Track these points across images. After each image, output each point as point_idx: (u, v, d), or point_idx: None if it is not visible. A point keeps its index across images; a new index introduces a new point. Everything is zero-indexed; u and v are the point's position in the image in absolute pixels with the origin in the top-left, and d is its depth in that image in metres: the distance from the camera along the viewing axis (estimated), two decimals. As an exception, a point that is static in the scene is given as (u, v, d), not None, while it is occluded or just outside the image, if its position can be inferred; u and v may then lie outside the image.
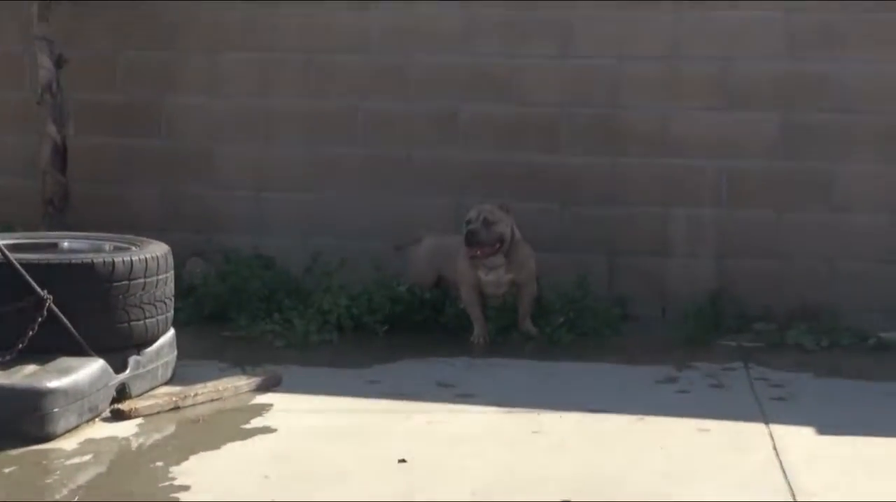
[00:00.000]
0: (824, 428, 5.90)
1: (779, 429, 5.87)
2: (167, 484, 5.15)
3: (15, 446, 5.49)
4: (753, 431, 5.89)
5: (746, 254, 8.32)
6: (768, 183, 8.28)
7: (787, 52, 8.19)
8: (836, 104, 8.15)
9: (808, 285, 8.19)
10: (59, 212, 8.81)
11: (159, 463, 5.40)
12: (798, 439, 5.75)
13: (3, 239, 6.39)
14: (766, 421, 6.02)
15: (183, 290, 7.90)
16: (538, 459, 5.50)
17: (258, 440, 5.77)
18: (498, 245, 7.34)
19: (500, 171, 8.56)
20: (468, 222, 7.36)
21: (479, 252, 7.29)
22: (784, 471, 5.24)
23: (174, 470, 5.31)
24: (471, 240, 7.24)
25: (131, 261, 6.21)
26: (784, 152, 8.25)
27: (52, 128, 8.78)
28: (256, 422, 6.03)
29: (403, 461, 5.37)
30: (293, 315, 7.75)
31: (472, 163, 8.66)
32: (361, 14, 8.75)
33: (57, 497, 4.98)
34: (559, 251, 8.39)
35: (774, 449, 5.58)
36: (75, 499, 4.98)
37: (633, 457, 5.50)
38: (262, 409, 6.25)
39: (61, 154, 8.84)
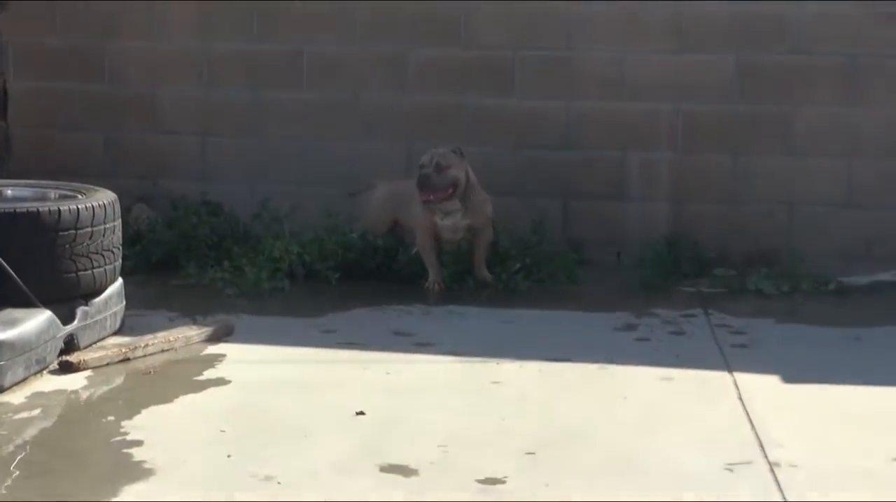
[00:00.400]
0: (789, 376, 5.87)
1: (743, 378, 5.82)
2: (119, 438, 5.04)
3: None
4: (717, 380, 5.85)
5: (703, 198, 8.28)
6: (725, 126, 8.23)
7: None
8: (792, 45, 8.10)
9: (766, 230, 8.18)
10: (1, 159, 8.71)
11: (110, 418, 5.30)
12: (763, 388, 5.70)
13: None
14: (730, 369, 5.97)
15: (129, 238, 7.77)
16: (501, 410, 5.42)
17: (212, 392, 5.68)
18: (451, 190, 7.24)
19: (452, 115, 8.48)
20: (421, 166, 7.27)
21: (432, 197, 7.19)
22: (751, 422, 5.19)
23: (126, 424, 5.21)
24: (424, 184, 7.14)
25: (77, 209, 6.08)
26: (740, 95, 8.20)
27: None
28: (209, 374, 5.94)
29: (362, 413, 5.29)
30: (243, 262, 7.63)
31: (423, 107, 8.57)
32: (307, -47, 8.59)
33: (3, 452, 4.88)
34: (514, 195, 8.32)
35: (740, 398, 5.53)
36: (23, 455, 4.87)
37: (596, 408, 5.44)
38: (215, 360, 6.16)
39: (1, 99, 8.75)
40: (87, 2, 8.84)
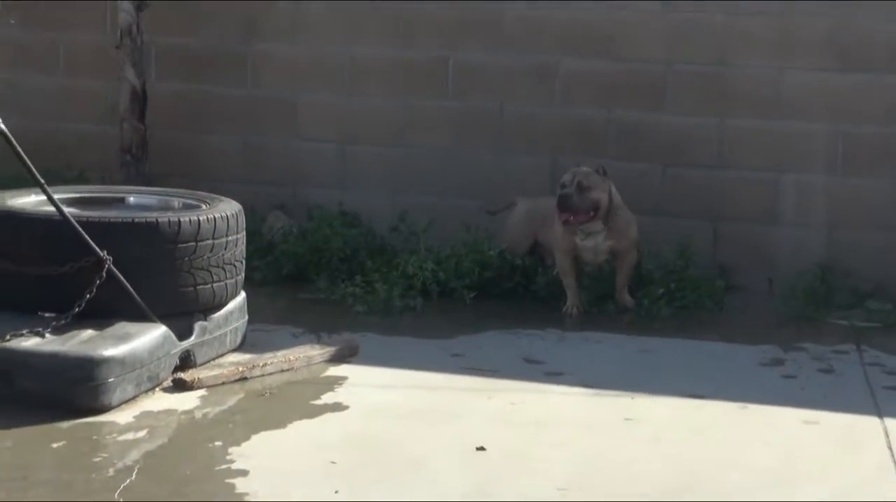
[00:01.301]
0: None
1: (894, 425, 5.48)
2: (224, 467, 4.96)
3: (66, 418, 5.34)
4: (866, 425, 5.50)
5: (861, 225, 7.84)
6: (887, 150, 7.79)
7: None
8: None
9: (927, 261, 7.69)
10: (138, 161, 8.66)
11: (218, 443, 5.21)
12: None
13: (67, 192, 6.28)
14: (881, 415, 5.63)
15: (263, 247, 7.83)
16: (629, 451, 5.18)
17: (328, 418, 5.57)
18: (593, 211, 6.93)
19: (599, 130, 8.21)
20: (562, 186, 6.96)
21: (572, 218, 6.89)
22: None
23: (233, 450, 5.12)
24: (564, 205, 6.85)
25: (198, 220, 5.99)
26: (905, 119, 7.73)
27: (130, 74, 8.61)
28: (327, 398, 5.82)
29: (482, 449, 5.11)
30: (376, 278, 7.49)
31: (570, 121, 8.30)
32: (454, -38, 8.41)
33: (103, 476, 4.84)
34: (661, 216, 8.05)
35: (889, 447, 5.20)
36: (123, 481, 4.81)
37: (733, 453, 5.17)
38: (335, 383, 6.04)
39: (140, 100, 8.67)
40: (230, 2, 8.81)
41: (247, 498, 4.60)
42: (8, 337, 5.44)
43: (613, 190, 7.09)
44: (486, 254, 7.72)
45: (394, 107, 8.63)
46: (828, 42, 7.79)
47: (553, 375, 6.24)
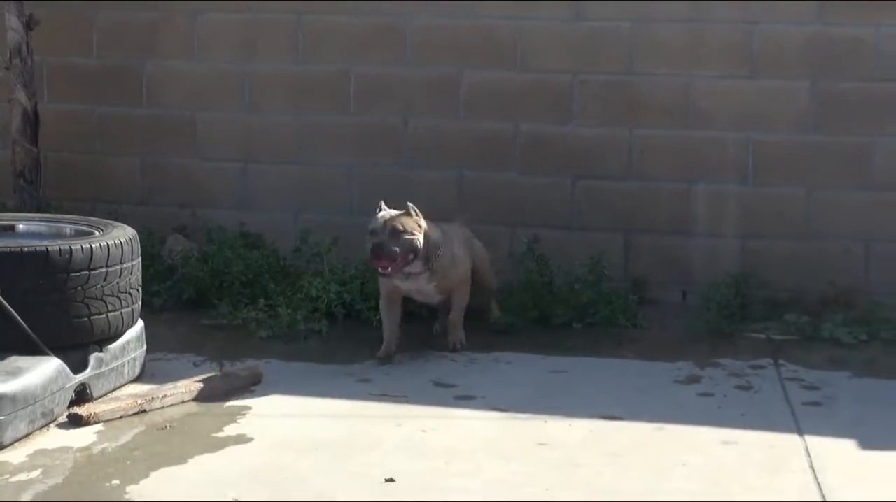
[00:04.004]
0: (867, 441, 5.45)
1: (815, 443, 5.43)
2: None
3: None
4: (786, 444, 5.44)
5: (775, 234, 7.84)
6: (799, 157, 7.79)
7: (817, 17, 7.68)
8: (872, 71, 7.63)
9: (842, 268, 7.71)
10: (31, 184, 8.49)
11: (115, 481, 5.07)
12: (837, 455, 5.30)
13: None
14: (801, 433, 5.58)
15: (162, 271, 7.69)
16: (544, 478, 5.07)
17: (231, 452, 5.44)
18: (411, 255, 6.41)
19: (506, 143, 8.17)
20: (373, 233, 6.47)
21: (390, 268, 6.38)
22: (823, 496, 4.82)
23: (131, 489, 4.99)
24: (379, 254, 6.34)
25: (91, 248, 5.87)
26: (815, 125, 7.75)
27: (21, 95, 8.45)
28: (230, 430, 5.70)
29: (391, 480, 5.01)
30: (279, 301, 7.38)
31: (475, 134, 8.26)
32: (354, -30, 8.37)
33: None
34: (572, 230, 8.04)
35: (811, 467, 5.13)
36: None
37: (652, 477, 5.07)
38: (238, 413, 5.93)
39: (32, 123, 8.50)
40: (125, 18, 8.72)
41: None
42: None
43: (430, 227, 6.58)
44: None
45: (295, 122, 8.59)
46: (737, 48, 7.81)
47: (464, 399, 6.17)
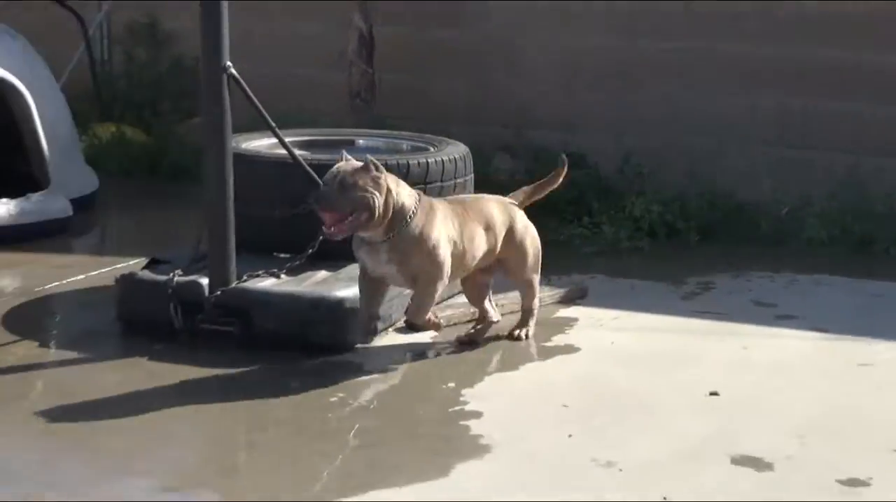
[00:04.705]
0: None
1: None
2: (457, 408, 5.01)
3: (303, 357, 5.50)
4: None
5: None
6: None
7: None
8: None
9: None
10: (366, 104, 8.83)
11: (451, 384, 5.27)
12: None
13: (298, 135, 6.41)
14: None
15: (490, 188, 7.75)
16: (868, 398, 5.07)
17: (559, 361, 5.59)
18: (363, 216, 5.07)
19: None
20: (323, 184, 5.23)
21: (332, 226, 5.10)
22: None
23: (467, 393, 5.17)
24: (320, 203, 5.11)
25: (427, 163, 6.08)
26: None
27: (358, 18, 8.75)
28: (558, 340, 5.83)
29: (715, 394, 5.07)
30: (603, 219, 7.54)
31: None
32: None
33: (339, 415, 4.96)
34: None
35: None
36: (358, 421, 4.92)
37: None
38: (566, 324, 6.07)
39: (368, 45, 8.82)
40: None
41: (481, 441, 4.65)
42: (245, 277, 5.62)
43: (401, 189, 5.27)
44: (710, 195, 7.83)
45: (619, 47, 8.54)
46: None
47: (785, 318, 6.15)
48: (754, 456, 4.47)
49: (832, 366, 5.49)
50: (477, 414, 4.88)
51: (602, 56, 8.61)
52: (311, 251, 5.79)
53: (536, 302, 5.80)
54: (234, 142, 5.87)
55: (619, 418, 4.88)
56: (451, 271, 5.34)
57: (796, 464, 4.42)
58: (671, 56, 8.43)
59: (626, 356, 5.59)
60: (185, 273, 5.70)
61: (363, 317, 5.44)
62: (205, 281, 5.65)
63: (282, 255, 5.93)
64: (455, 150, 6.33)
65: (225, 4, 5.58)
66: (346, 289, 5.58)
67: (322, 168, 5.72)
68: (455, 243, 5.31)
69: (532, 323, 5.76)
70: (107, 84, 9.81)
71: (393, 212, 5.11)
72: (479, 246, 5.46)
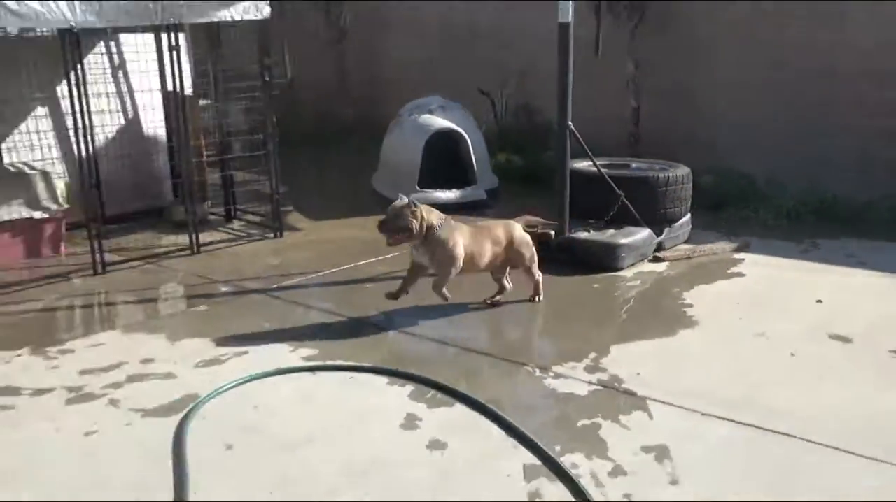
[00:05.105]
0: None
1: None
2: (679, 301, 5.23)
3: (598, 273, 5.73)
4: None
5: None
6: None
7: None
8: None
9: None
10: (635, 142, 8.41)
11: (675, 289, 5.47)
12: None
13: (601, 160, 6.34)
14: None
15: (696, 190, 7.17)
16: None
17: (734, 280, 5.67)
18: (404, 234, 4.78)
19: None
20: (385, 215, 4.88)
21: (388, 238, 4.82)
22: None
23: (685, 294, 5.36)
24: (380, 227, 4.82)
25: (667, 176, 6.26)
26: None
27: (632, 100, 8.28)
28: (733, 270, 5.87)
29: (820, 301, 5.13)
30: (758, 208, 7.25)
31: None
32: None
33: (617, 302, 5.20)
34: None
35: None
36: (626, 305, 5.13)
37: None
38: (737, 263, 6.03)
39: (636, 113, 8.33)
40: None
41: (693, 318, 4.88)
42: (572, 230, 5.94)
43: (432, 217, 4.83)
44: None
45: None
46: None
47: (861, 265, 5.82)
48: (841, 334, 4.55)
49: (889, 291, 5.34)
50: (690, 305, 5.11)
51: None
52: (606, 220, 6.03)
53: (538, 279, 5.16)
54: (571, 164, 5.94)
55: (766, 312, 4.96)
56: (464, 266, 4.86)
57: (865, 341, 4.46)
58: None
59: (770, 279, 5.58)
60: (542, 228, 5.88)
61: (400, 289, 4.96)
62: (550, 232, 5.86)
63: (591, 221, 6.07)
64: (680, 170, 6.38)
65: (570, 93, 5.60)
66: (623, 238, 5.81)
67: (615, 178, 5.95)
68: (466, 248, 4.84)
69: (540, 290, 5.17)
70: (503, 131, 9.37)
71: (426, 228, 4.73)
72: (485, 253, 4.94)
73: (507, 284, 5.17)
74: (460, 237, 4.83)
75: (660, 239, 6.13)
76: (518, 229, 5.09)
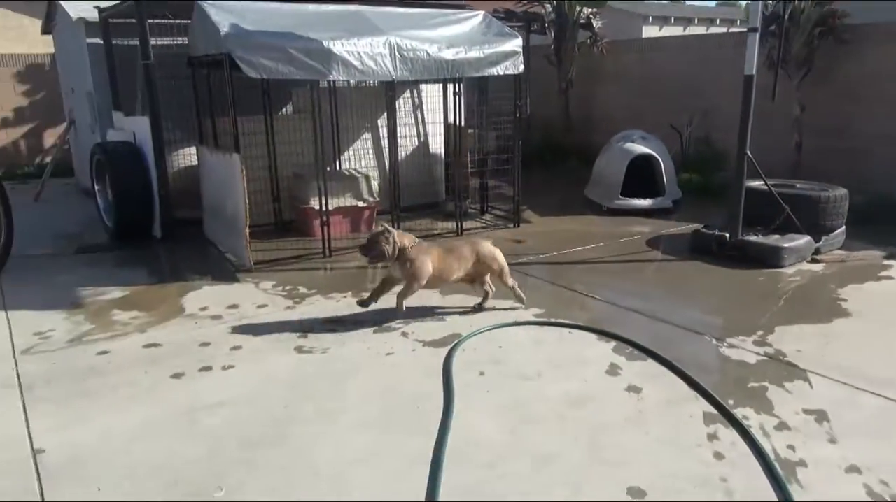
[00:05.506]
0: None
1: None
2: (833, 296, 4.59)
3: (764, 267, 5.12)
4: None
5: None
6: None
7: None
8: None
9: None
10: (797, 167, 7.50)
11: (831, 286, 4.83)
12: None
13: (770, 180, 5.76)
14: None
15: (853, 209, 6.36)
16: None
17: (883, 282, 4.86)
18: (378, 254, 4.15)
19: None
20: (366, 240, 4.26)
21: (368, 258, 4.20)
22: None
23: (839, 290, 4.71)
24: (361, 250, 4.23)
25: (826, 196, 5.62)
26: None
27: (796, 135, 7.48)
28: (883, 274, 5.07)
29: None
30: None
31: None
32: None
33: (778, 294, 4.54)
34: None
35: None
36: (783, 296, 4.56)
37: None
38: (886, 268, 5.23)
39: (799, 145, 7.50)
40: None
41: (848, 311, 4.25)
42: (741, 234, 5.46)
43: (404, 239, 4.19)
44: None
45: None
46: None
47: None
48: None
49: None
50: (844, 299, 4.49)
51: None
52: (772, 227, 5.53)
53: (511, 284, 4.35)
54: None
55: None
56: (433, 281, 4.20)
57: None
58: None
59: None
60: (718, 231, 5.56)
61: (370, 296, 4.27)
62: (726, 234, 5.44)
63: (758, 228, 5.59)
64: (838, 191, 5.70)
65: (749, 128, 5.12)
66: (788, 243, 5.28)
67: (783, 195, 5.40)
68: (433, 266, 4.17)
69: (519, 293, 4.37)
70: (687, 156, 8.61)
71: (399, 249, 4.13)
72: (452, 269, 4.23)
73: (490, 291, 4.43)
74: (427, 257, 4.18)
75: (818, 244, 5.58)
76: (484, 246, 4.32)
